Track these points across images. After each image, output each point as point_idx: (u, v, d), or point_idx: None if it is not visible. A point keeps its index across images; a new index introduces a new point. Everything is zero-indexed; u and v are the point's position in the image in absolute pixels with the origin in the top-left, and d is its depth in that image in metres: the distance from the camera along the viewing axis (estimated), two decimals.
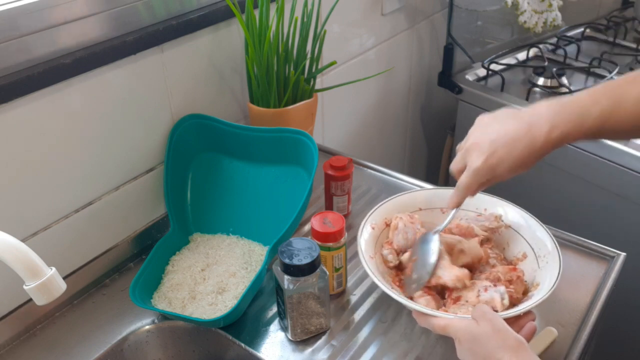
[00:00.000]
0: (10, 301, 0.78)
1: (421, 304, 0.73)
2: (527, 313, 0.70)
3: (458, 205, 0.78)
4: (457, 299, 0.74)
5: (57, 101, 0.76)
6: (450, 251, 0.79)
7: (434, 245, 0.77)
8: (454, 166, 0.77)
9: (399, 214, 0.85)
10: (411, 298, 0.75)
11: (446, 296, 0.76)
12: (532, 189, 1.36)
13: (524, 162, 0.70)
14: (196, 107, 0.96)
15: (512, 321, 0.66)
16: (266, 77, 0.95)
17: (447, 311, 0.72)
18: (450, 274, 0.74)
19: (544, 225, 0.81)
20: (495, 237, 0.85)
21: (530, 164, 0.70)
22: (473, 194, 0.76)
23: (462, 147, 0.77)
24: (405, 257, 0.80)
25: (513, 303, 0.73)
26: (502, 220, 0.84)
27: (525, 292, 0.75)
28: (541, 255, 0.78)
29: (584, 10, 1.79)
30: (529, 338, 0.66)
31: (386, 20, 1.39)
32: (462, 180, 0.74)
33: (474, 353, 0.62)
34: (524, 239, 0.82)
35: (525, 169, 0.71)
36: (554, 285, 0.71)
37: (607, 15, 1.80)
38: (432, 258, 0.76)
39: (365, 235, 0.81)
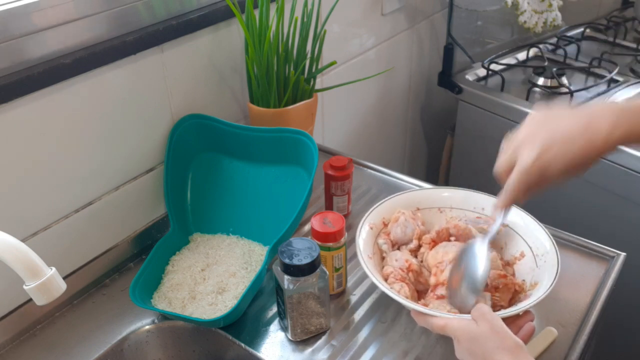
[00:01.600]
0: (10, 301, 0.78)
1: (395, 290, 0.74)
2: (526, 313, 0.69)
3: (507, 207, 0.70)
4: (441, 297, 0.74)
5: (57, 101, 0.76)
6: None
7: (483, 258, 0.71)
8: (499, 167, 0.69)
9: (402, 210, 0.85)
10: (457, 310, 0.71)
11: (429, 291, 0.76)
12: None
13: (580, 163, 0.64)
14: (196, 107, 0.96)
15: (510, 321, 0.66)
16: (266, 77, 0.95)
17: (427, 306, 0.73)
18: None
19: (542, 225, 0.81)
20: None
21: (586, 166, 0.64)
22: (521, 198, 0.67)
23: (509, 146, 0.69)
24: (446, 271, 0.75)
25: (496, 311, 0.72)
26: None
27: (513, 301, 0.75)
28: (539, 254, 0.78)
29: (584, 10, 1.80)
30: (527, 339, 0.66)
31: (386, 20, 1.39)
32: (511, 180, 0.66)
33: (472, 353, 0.62)
34: (522, 238, 0.82)
35: (579, 172, 0.65)
36: (552, 284, 0.71)
37: (607, 15, 1.80)
38: (485, 272, 0.69)
39: (363, 235, 0.81)
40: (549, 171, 0.64)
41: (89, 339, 0.79)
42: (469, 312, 0.65)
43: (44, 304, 0.56)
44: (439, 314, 0.68)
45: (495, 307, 0.73)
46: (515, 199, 0.68)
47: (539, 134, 0.65)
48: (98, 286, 0.88)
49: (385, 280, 0.77)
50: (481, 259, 0.71)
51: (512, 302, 0.75)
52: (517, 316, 0.69)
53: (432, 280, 0.76)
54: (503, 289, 0.74)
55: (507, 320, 0.65)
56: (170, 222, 0.92)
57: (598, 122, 0.63)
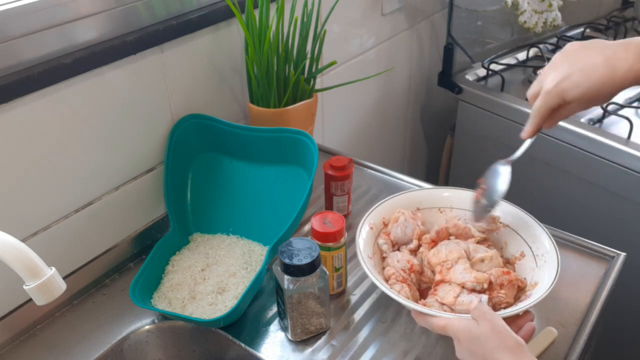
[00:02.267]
0: (10, 301, 0.78)
1: (395, 290, 0.74)
2: (526, 313, 0.70)
3: (532, 133, 0.75)
4: (435, 290, 0.75)
5: (57, 101, 0.76)
6: (468, 257, 0.79)
7: (505, 176, 0.76)
8: (530, 91, 0.74)
9: (403, 209, 0.85)
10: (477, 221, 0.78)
11: (432, 287, 0.76)
12: (531, 189, 1.36)
13: (599, 91, 0.66)
14: (196, 107, 0.96)
15: (510, 321, 0.66)
16: (266, 77, 0.95)
17: (427, 306, 0.73)
18: (470, 276, 0.74)
19: (541, 224, 0.81)
20: (492, 236, 0.85)
21: (606, 95, 0.67)
22: (546, 121, 0.72)
23: (541, 72, 0.74)
24: (453, 269, 0.78)
25: (503, 308, 0.73)
26: (500, 222, 0.84)
27: (518, 297, 0.75)
28: (539, 254, 0.78)
29: (584, 10, 1.79)
30: (527, 338, 0.66)
31: (386, 20, 1.39)
32: (535, 103, 0.71)
33: (473, 353, 0.62)
34: (522, 238, 0.82)
35: (597, 102, 0.68)
36: (552, 284, 0.71)
37: (607, 15, 1.80)
38: (503, 186, 0.75)
39: (363, 235, 0.81)
40: (568, 96, 0.68)
41: (89, 339, 0.79)
42: (482, 221, 0.75)
43: (44, 304, 0.56)
44: (439, 314, 0.68)
45: (502, 304, 0.73)
46: (539, 123, 0.73)
47: (565, 62, 0.69)
48: (98, 286, 0.88)
49: (387, 281, 0.77)
50: (503, 176, 0.76)
51: (517, 298, 0.75)
52: (517, 316, 0.69)
53: (438, 277, 0.76)
54: (508, 286, 0.74)
55: (507, 320, 0.65)
56: (170, 222, 0.92)
57: (622, 55, 0.66)
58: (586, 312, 0.80)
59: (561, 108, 0.70)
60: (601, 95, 0.67)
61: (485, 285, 0.73)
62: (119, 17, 0.81)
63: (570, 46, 0.73)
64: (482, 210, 0.77)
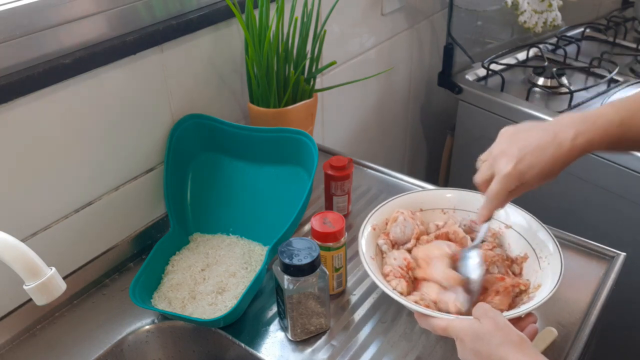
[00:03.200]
0: (10, 301, 0.78)
1: (392, 286, 0.74)
2: (529, 315, 0.70)
3: (489, 218, 0.76)
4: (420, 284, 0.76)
5: (57, 101, 0.76)
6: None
7: (474, 261, 0.76)
8: (479, 177, 0.76)
9: (401, 209, 0.85)
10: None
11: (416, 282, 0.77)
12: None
13: (552, 169, 0.70)
14: (196, 107, 0.96)
15: (513, 323, 0.66)
16: (266, 77, 0.95)
17: (427, 306, 0.73)
18: (443, 273, 0.75)
19: (545, 226, 0.81)
20: (496, 237, 0.85)
21: (557, 170, 0.71)
22: (503, 203, 0.74)
23: (486, 159, 0.76)
24: (433, 266, 0.78)
25: None
26: (499, 238, 0.85)
27: (513, 304, 0.75)
28: (542, 256, 0.78)
29: (584, 10, 1.79)
30: (529, 340, 0.66)
31: (386, 20, 1.39)
32: (492, 188, 0.73)
33: (477, 352, 0.62)
34: (526, 240, 0.82)
35: (552, 177, 0.71)
36: (555, 287, 0.71)
37: (607, 15, 1.80)
38: (475, 274, 0.75)
39: (366, 235, 0.81)
40: (525, 177, 0.71)
41: (89, 339, 0.79)
42: (466, 313, 0.70)
43: (44, 304, 0.56)
44: (440, 315, 0.68)
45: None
46: (497, 206, 0.74)
47: (513, 146, 0.72)
48: (98, 286, 0.88)
49: (385, 278, 0.77)
50: (472, 267, 0.76)
51: (512, 307, 0.74)
52: (519, 318, 0.69)
53: (419, 273, 0.77)
54: (504, 293, 0.74)
55: (510, 322, 0.64)
56: (170, 222, 0.92)
57: (564, 131, 0.70)
58: (586, 312, 0.80)
59: (516, 189, 0.72)
60: (554, 173, 0.71)
61: (455, 285, 0.74)
62: (119, 17, 0.81)
63: (506, 131, 0.76)
64: (463, 300, 0.74)
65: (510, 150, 0.72)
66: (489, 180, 0.74)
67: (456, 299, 0.72)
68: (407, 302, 0.72)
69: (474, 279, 0.74)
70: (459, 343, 0.64)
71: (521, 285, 0.75)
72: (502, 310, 0.73)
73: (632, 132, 0.70)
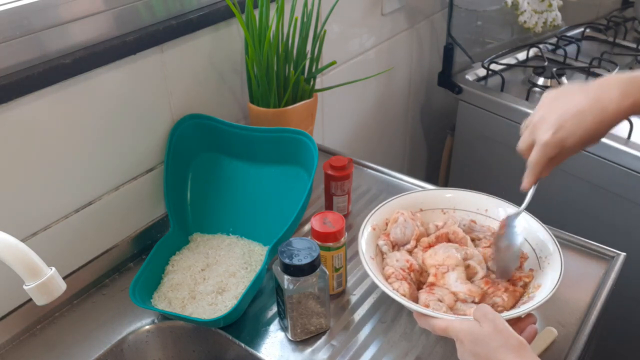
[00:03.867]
0: (10, 301, 0.78)
1: (394, 288, 0.74)
2: (528, 316, 0.70)
3: (532, 183, 0.76)
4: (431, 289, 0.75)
5: (57, 101, 0.76)
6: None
7: (518, 229, 0.79)
8: (521, 144, 0.75)
9: (402, 210, 0.85)
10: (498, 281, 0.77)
11: (426, 286, 0.77)
12: None
13: (594, 133, 0.69)
14: (196, 107, 0.96)
15: (512, 323, 0.66)
16: (266, 77, 0.95)
17: (428, 306, 0.73)
18: (464, 287, 0.74)
19: (545, 226, 0.81)
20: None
21: (600, 135, 0.70)
22: (544, 171, 0.74)
23: (528, 124, 0.75)
24: (448, 276, 0.78)
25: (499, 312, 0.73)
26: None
27: (519, 299, 0.75)
28: (542, 256, 0.78)
29: (584, 10, 1.80)
30: (529, 341, 0.66)
31: (386, 20, 1.39)
32: (532, 156, 0.73)
33: (476, 354, 0.62)
34: (525, 240, 0.82)
35: (595, 142, 0.70)
36: (555, 287, 0.71)
37: (607, 15, 1.80)
38: (517, 241, 0.77)
39: (365, 236, 0.81)
40: (566, 144, 0.70)
41: (89, 339, 0.79)
42: (510, 274, 0.75)
43: (44, 304, 0.56)
44: (440, 316, 0.68)
45: (498, 308, 0.73)
46: (539, 173, 0.74)
47: (553, 112, 0.71)
48: (98, 286, 0.88)
49: (387, 280, 0.77)
50: (516, 234, 0.78)
51: (518, 301, 0.75)
52: (519, 318, 0.69)
53: (431, 279, 0.76)
54: (511, 293, 0.74)
55: (510, 323, 0.65)
56: (170, 222, 0.92)
57: (608, 95, 0.68)
58: (586, 312, 0.80)
59: (557, 155, 0.72)
60: (596, 138, 0.70)
61: (477, 299, 0.73)
62: (119, 17, 0.81)
63: (548, 95, 0.75)
64: (510, 262, 0.77)
65: (550, 117, 0.71)
66: (530, 147, 0.73)
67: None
68: (408, 302, 0.72)
69: (516, 245, 0.77)
70: (459, 344, 0.64)
71: (524, 278, 0.76)
72: (505, 309, 0.73)
73: None
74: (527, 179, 0.76)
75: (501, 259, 0.78)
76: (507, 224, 0.79)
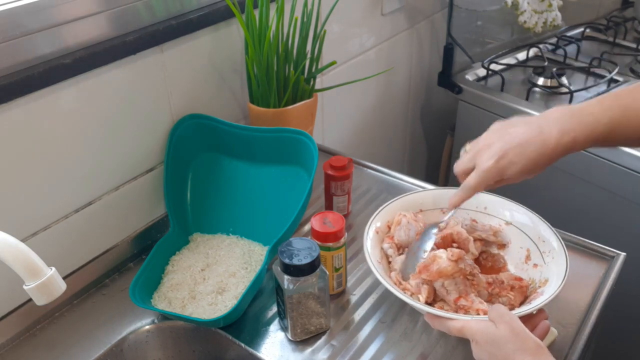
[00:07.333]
0: (10, 301, 0.78)
1: (413, 289, 0.74)
2: (540, 312, 0.69)
3: (459, 205, 0.78)
4: (463, 308, 0.74)
5: (57, 101, 0.76)
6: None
7: (431, 240, 0.80)
8: (459, 167, 0.77)
9: (404, 212, 0.85)
10: (400, 283, 0.77)
11: (452, 303, 0.75)
12: (531, 189, 1.36)
13: (534, 166, 0.70)
14: (196, 107, 0.96)
15: (525, 320, 0.66)
16: (266, 77, 0.95)
17: (442, 308, 0.73)
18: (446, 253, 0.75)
19: (546, 222, 0.81)
20: (498, 234, 0.85)
21: (540, 168, 0.71)
22: (476, 194, 0.76)
23: (470, 150, 0.77)
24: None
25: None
26: (500, 235, 0.85)
27: (527, 296, 0.75)
28: (545, 251, 0.78)
29: (584, 10, 1.80)
30: (542, 337, 0.66)
31: (386, 20, 1.39)
32: (470, 180, 0.74)
33: (493, 355, 0.61)
34: (527, 235, 0.82)
35: (534, 174, 0.71)
36: (563, 280, 0.71)
37: (607, 15, 1.80)
38: (428, 245, 0.79)
39: (370, 239, 0.81)
40: (506, 173, 0.71)
41: (89, 339, 0.79)
42: (408, 277, 0.76)
43: (44, 304, 0.56)
44: (456, 317, 0.67)
45: (507, 306, 0.73)
46: (471, 196, 0.76)
47: (497, 141, 0.72)
48: (98, 286, 0.88)
49: (398, 285, 0.77)
50: (427, 243, 0.80)
51: (526, 297, 0.75)
52: (531, 315, 0.69)
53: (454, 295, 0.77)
54: (518, 290, 0.75)
55: (522, 319, 0.64)
56: (170, 222, 0.92)
57: (549, 129, 0.70)
58: (586, 312, 0.80)
59: (495, 183, 0.73)
60: (537, 169, 0.71)
61: (460, 263, 0.74)
62: (119, 17, 0.81)
63: (495, 126, 0.76)
64: (405, 270, 0.78)
65: (495, 145, 0.72)
66: (468, 172, 0.75)
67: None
68: (420, 304, 0.71)
69: (426, 250, 0.78)
70: (474, 344, 0.64)
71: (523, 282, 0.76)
72: (514, 307, 0.73)
73: (619, 131, 0.69)
74: (456, 199, 0.77)
75: (404, 263, 0.79)
76: (424, 232, 0.81)
